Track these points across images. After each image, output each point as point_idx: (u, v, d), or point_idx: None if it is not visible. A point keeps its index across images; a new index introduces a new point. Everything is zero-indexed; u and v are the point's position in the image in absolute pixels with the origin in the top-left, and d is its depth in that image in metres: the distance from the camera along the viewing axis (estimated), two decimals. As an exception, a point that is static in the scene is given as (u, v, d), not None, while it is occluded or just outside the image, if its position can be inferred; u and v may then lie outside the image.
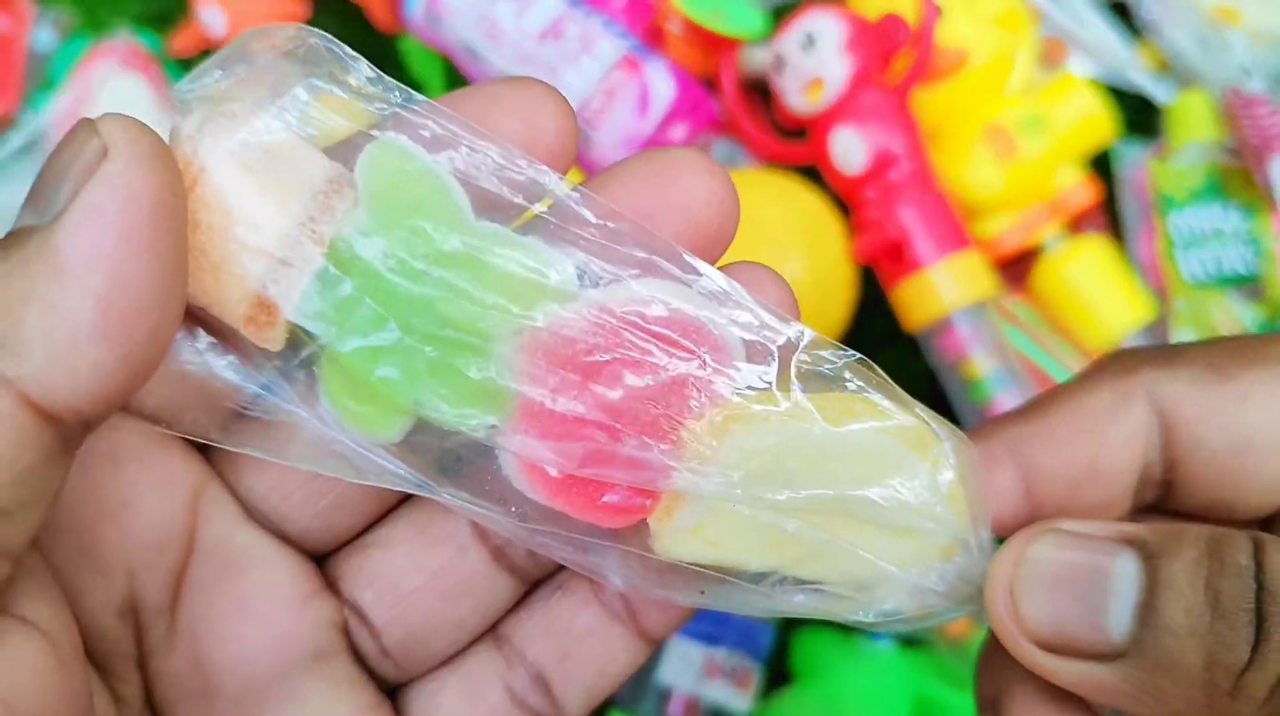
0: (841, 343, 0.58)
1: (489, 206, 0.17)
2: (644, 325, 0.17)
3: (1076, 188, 0.55)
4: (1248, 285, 0.55)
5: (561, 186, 0.18)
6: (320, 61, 0.19)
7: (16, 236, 0.14)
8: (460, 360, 0.17)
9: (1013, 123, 0.53)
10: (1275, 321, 0.53)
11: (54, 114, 0.58)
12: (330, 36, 0.19)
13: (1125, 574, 0.15)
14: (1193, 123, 0.57)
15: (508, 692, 0.19)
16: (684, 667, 0.46)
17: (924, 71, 0.50)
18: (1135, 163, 0.58)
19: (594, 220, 0.18)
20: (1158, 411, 0.17)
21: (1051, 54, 0.60)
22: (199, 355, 0.17)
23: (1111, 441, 0.17)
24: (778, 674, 0.51)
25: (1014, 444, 0.18)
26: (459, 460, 0.17)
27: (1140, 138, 0.60)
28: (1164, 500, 0.18)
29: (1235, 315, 0.54)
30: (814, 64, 0.50)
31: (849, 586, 0.16)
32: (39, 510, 0.14)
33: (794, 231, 0.50)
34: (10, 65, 0.61)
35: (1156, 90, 0.60)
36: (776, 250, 0.49)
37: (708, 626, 0.47)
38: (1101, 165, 0.59)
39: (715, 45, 0.55)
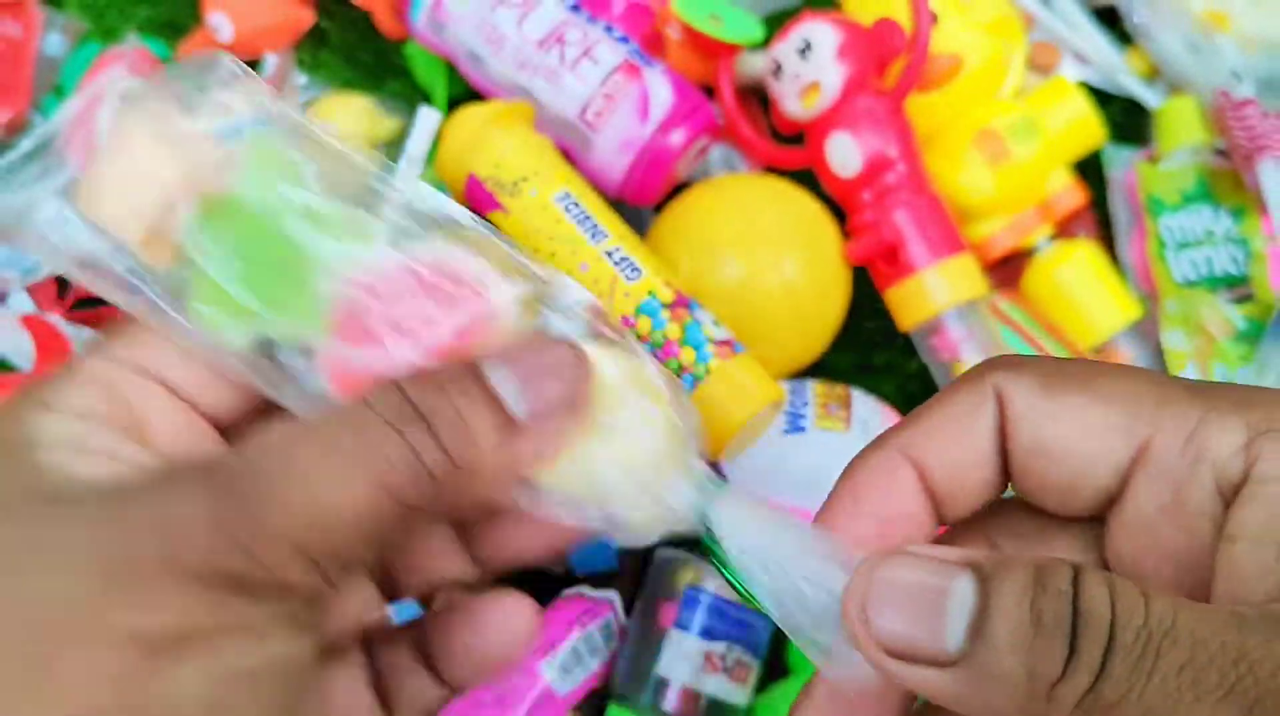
0: (837, 342, 0.59)
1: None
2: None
3: (1066, 191, 0.55)
4: (1237, 286, 0.55)
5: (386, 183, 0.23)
6: (231, 80, 0.25)
7: (507, 418, 0.21)
8: (293, 283, 0.22)
9: (1005, 127, 0.53)
10: (1264, 321, 0.54)
11: (64, 120, 0.59)
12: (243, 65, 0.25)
13: (962, 593, 0.17)
14: (1183, 126, 0.57)
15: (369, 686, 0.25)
16: (682, 661, 0.47)
17: (919, 77, 0.51)
18: (1126, 166, 0.59)
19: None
20: (999, 410, 0.21)
21: (1043, 59, 0.61)
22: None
23: (974, 435, 0.21)
24: (775, 668, 0.51)
25: (905, 446, 0.21)
26: (286, 377, 0.22)
27: (1131, 141, 0.61)
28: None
29: (1225, 315, 0.55)
30: (810, 70, 0.51)
31: (594, 498, 0.21)
32: None
33: (790, 234, 0.50)
34: (20, 70, 0.62)
35: (1147, 94, 0.61)
36: (772, 252, 0.50)
37: (706, 622, 0.48)
38: (1093, 169, 0.60)
39: (713, 51, 0.56)
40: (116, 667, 0.16)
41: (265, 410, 0.22)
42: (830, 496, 0.22)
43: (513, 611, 0.23)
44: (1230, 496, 0.18)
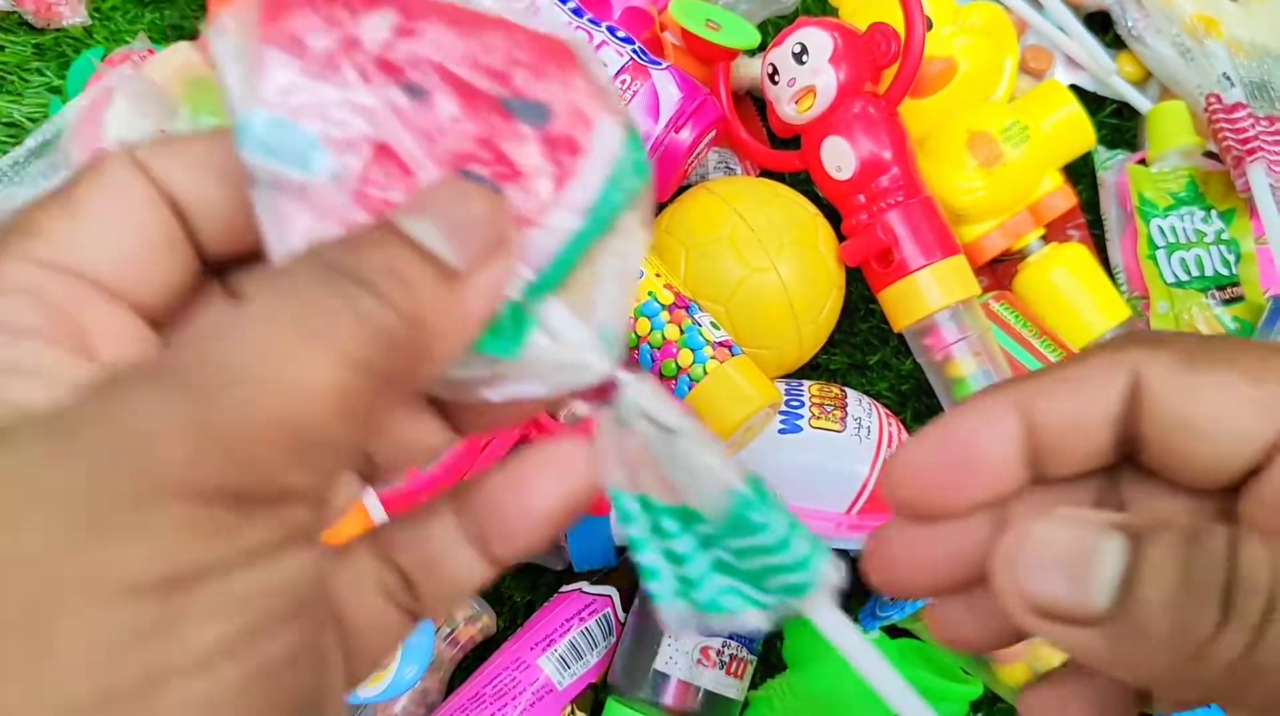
0: (831, 343, 0.59)
1: None
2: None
3: (1057, 193, 0.56)
4: (1227, 287, 0.56)
5: None
6: None
7: (446, 269, 0.18)
8: None
9: (998, 131, 0.54)
10: (1254, 322, 0.54)
11: (70, 119, 0.60)
12: None
13: (1112, 550, 0.17)
14: (1173, 129, 0.58)
15: (381, 587, 0.22)
16: (680, 656, 0.48)
17: (913, 82, 0.51)
18: (1117, 169, 0.59)
19: None
20: (1134, 384, 0.20)
21: (1036, 63, 0.61)
22: None
23: (1093, 400, 0.20)
24: (771, 662, 0.52)
25: (1019, 396, 0.21)
26: None
27: (1122, 145, 0.62)
28: (1138, 458, 0.21)
29: (1215, 316, 0.55)
30: (806, 74, 0.51)
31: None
32: None
33: (785, 236, 0.51)
34: None
35: (1138, 98, 0.61)
36: (768, 254, 0.50)
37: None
38: (1084, 171, 0.60)
39: (710, 56, 0.57)
40: (121, 629, 0.14)
41: (194, 298, 0.20)
42: (928, 429, 0.21)
43: (566, 455, 0.21)
44: None
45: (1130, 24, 0.61)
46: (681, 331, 0.46)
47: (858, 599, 0.53)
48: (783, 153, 0.56)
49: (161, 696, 0.14)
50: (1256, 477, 0.19)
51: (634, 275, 0.20)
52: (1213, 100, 0.56)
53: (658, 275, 0.48)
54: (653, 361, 0.47)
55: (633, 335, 0.47)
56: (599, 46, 0.53)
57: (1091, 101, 0.61)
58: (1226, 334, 0.22)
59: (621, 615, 0.52)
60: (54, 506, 0.14)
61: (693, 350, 0.46)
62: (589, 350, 0.20)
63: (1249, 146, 0.54)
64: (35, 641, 0.13)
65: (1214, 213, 0.57)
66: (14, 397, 0.16)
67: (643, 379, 0.20)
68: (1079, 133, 0.55)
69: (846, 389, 0.52)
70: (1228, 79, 0.58)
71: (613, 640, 0.51)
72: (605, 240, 0.20)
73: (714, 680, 0.48)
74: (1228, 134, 0.55)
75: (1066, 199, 0.56)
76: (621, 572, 0.53)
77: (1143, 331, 0.20)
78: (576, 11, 0.54)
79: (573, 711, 0.49)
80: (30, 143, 0.60)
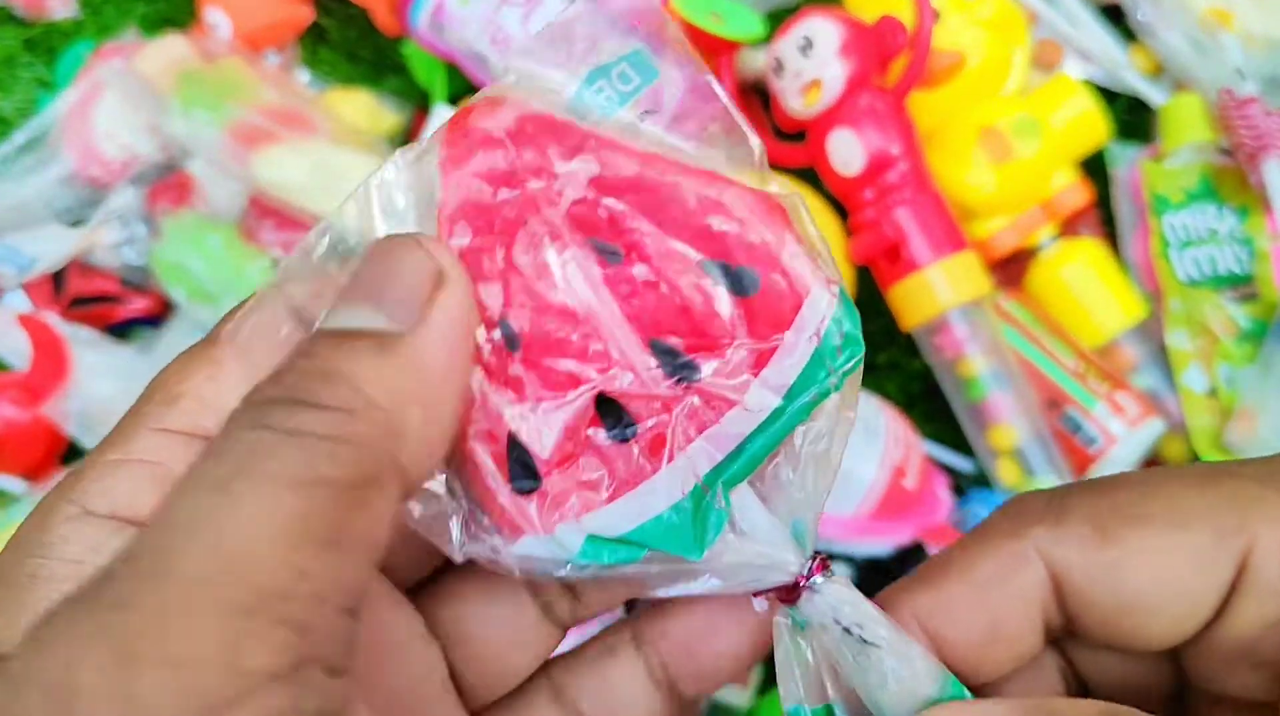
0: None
1: None
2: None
3: (1070, 189, 0.55)
4: (1241, 285, 0.55)
5: None
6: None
7: (384, 339, 0.16)
8: None
9: (1008, 125, 0.53)
10: (1269, 321, 0.54)
11: (59, 113, 0.59)
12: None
13: None
14: (1187, 124, 0.57)
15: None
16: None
17: (921, 74, 0.50)
18: (1130, 164, 0.59)
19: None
20: (1050, 573, 0.18)
21: (1046, 56, 0.60)
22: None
23: (1008, 606, 0.18)
24: (774, 671, 0.51)
25: (918, 615, 0.19)
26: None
27: (1135, 139, 0.61)
28: (1078, 633, 0.19)
29: (1229, 315, 0.54)
30: (812, 67, 0.50)
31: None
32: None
33: (792, 232, 0.50)
34: None
35: (1151, 92, 0.60)
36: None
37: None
38: (1097, 167, 0.59)
39: (714, 48, 0.56)
40: None
41: None
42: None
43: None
44: None
45: (1142, 16, 0.60)
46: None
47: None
48: (788, 147, 0.55)
49: None
50: (1211, 628, 0.18)
51: (834, 464, 0.18)
52: (1226, 95, 0.55)
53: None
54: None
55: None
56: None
57: (1103, 96, 0.61)
58: (1118, 474, 0.19)
59: (623, 620, 0.50)
60: None
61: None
62: (781, 547, 0.18)
63: (1263, 142, 0.53)
64: None
65: (1228, 209, 0.56)
66: None
67: (835, 579, 0.18)
68: (1092, 128, 0.54)
69: (854, 389, 0.51)
70: (1240, 73, 0.57)
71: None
72: (805, 423, 0.18)
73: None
74: (1241, 129, 0.54)
75: (1082, 195, 0.55)
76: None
77: (1028, 499, 0.19)
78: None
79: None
80: (19, 138, 0.59)
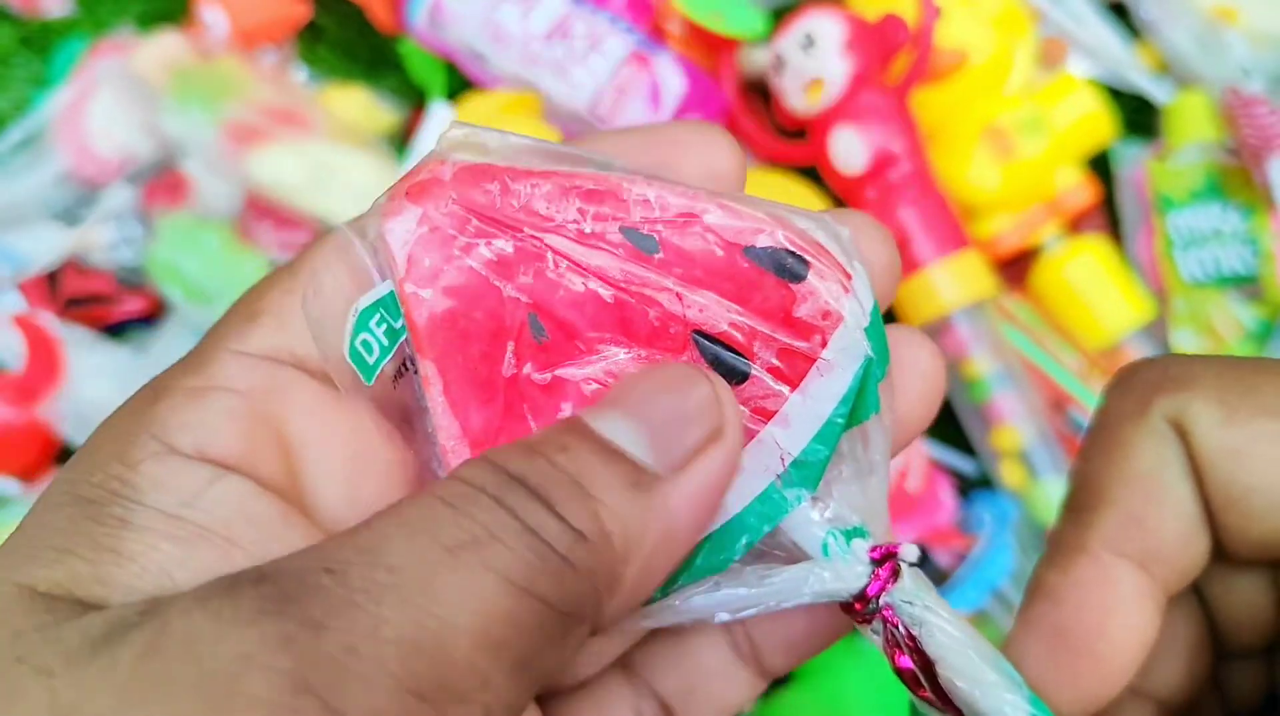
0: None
1: None
2: None
3: (1075, 188, 0.55)
4: (1246, 285, 0.55)
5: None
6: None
7: (641, 475, 0.15)
8: None
9: (1012, 123, 0.53)
10: (1274, 321, 0.53)
11: (55, 111, 0.58)
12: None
13: None
14: (1192, 123, 0.57)
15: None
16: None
17: (923, 72, 0.50)
18: (1134, 163, 0.58)
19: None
20: (1185, 447, 0.17)
21: (1051, 54, 0.60)
22: None
23: (1178, 492, 0.17)
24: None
25: (1114, 542, 0.17)
26: None
27: (1139, 138, 0.60)
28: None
29: (1234, 315, 0.54)
30: (814, 64, 0.50)
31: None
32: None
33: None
34: None
35: (1155, 90, 0.60)
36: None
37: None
38: (1101, 165, 0.59)
39: (715, 46, 0.55)
40: None
41: None
42: (1025, 631, 0.17)
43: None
44: None
45: (1147, 14, 0.60)
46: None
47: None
48: (790, 145, 0.55)
49: None
50: None
51: (882, 477, 0.17)
52: (1231, 93, 0.55)
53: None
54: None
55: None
56: (599, 37, 0.52)
57: (1108, 93, 0.60)
58: (1254, 357, 0.16)
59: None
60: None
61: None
62: (855, 562, 0.17)
63: (1269, 141, 0.53)
64: None
65: (1233, 208, 0.56)
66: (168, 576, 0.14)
67: (906, 591, 0.17)
68: (1096, 126, 0.54)
69: (856, 390, 0.51)
70: (1246, 71, 0.57)
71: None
72: (849, 435, 0.17)
73: (719, 692, 0.47)
74: (1247, 128, 0.54)
75: (1088, 193, 0.55)
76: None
77: (1147, 367, 0.17)
78: (578, 1, 0.53)
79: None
80: (13, 135, 0.59)
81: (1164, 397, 0.16)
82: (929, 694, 0.17)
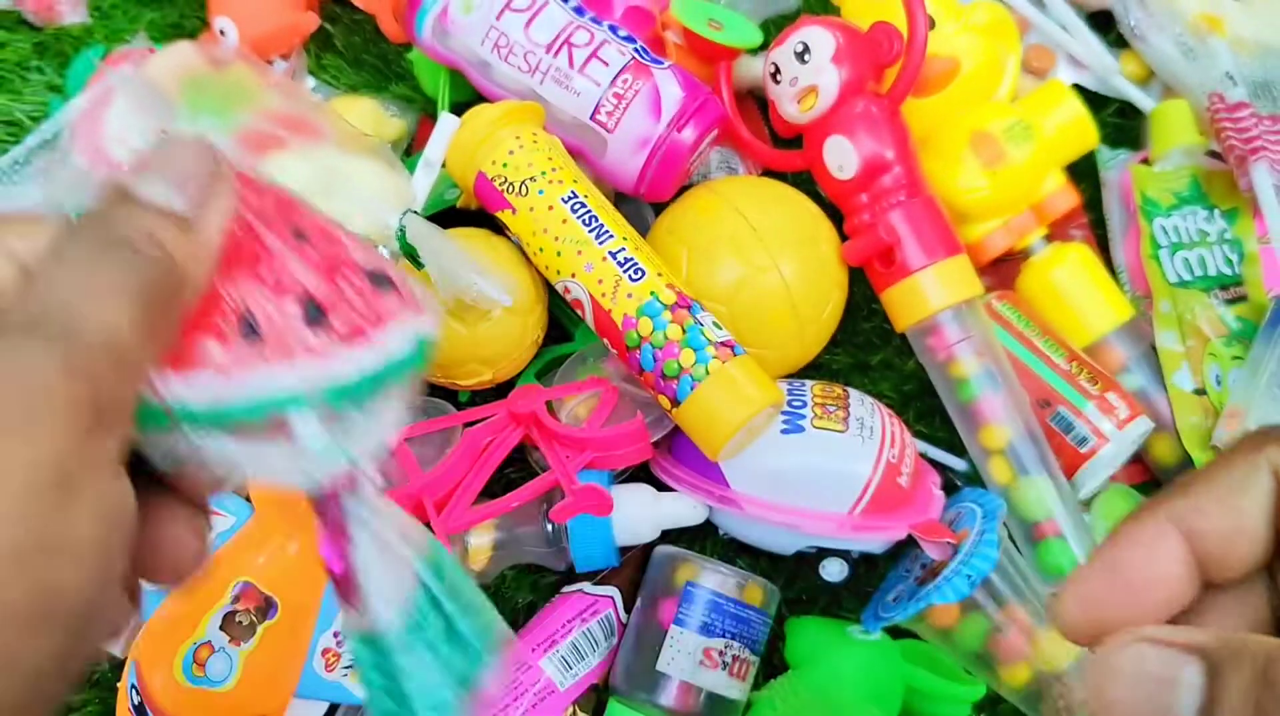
0: (834, 342, 0.59)
1: None
2: None
3: (1059, 193, 0.56)
4: (1231, 287, 0.56)
5: None
6: None
7: (180, 219, 0.22)
8: None
9: (1001, 130, 0.54)
10: (1257, 322, 0.54)
11: (70, 117, 0.60)
12: None
13: (1189, 684, 0.18)
14: (1177, 128, 0.58)
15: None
16: (682, 657, 0.48)
17: (915, 81, 0.51)
18: (1120, 168, 0.59)
19: None
20: (1276, 482, 0.21)
21: (1038, 62, 0.61)
22: None
23: (1247, 506, 0.21)
24: (773, 663, 0.52)
25: (1173, 514, 0.22)
26: None
27: (1125, 144, 0.61)
28: None
29: (1218, 316, 0.55)
30: (808, 73, 0.51)
31: None
32: None
33: (788, 236, 0.51)
34: None
35: (1141, 97, 0.61)
36: (770, 254, 0.50)
37: (705, 618, 0.48)
38: (1087, 170, 0.60)
39: (712, 55, 0.56)
40: (25, 506, 0.18)
41: None
42: (1091, 560, 0.22)
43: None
44: None
45: (1133, 23, 0.61)
46: (684, 331, 0.46)
47: (860, 599, 0.53)
48: (785, 152, 0.56)
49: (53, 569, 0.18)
50: None
51: (382, 442, 0.24)
52: (1216, 99, 0.56)
53: (660, 274, 0.48)
54: (655, 361, 0.47)
55: (634, 334, 0.47)
56: (600, 46, 0.53)
57: (1094, 101, 0.61)
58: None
59: (623, 616, 0.51)
60: None
61: (695, 350, 0.46)
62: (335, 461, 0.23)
63: (1252, 146, 0.54)
64: None
65: (1217, 212, 0.57)
66: None
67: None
68: (1082, 132, 0.55)
69: (849, 389, 0.52)
70: (1231, 78, 0.58)
71: (614, 641, 0.51)
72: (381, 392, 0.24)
73: (716, 681, 0.48)
74: (1231, 133, 0.55)
75: (1070, 198, 0.56)
76: (623, 573, 0.53)
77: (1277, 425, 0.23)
78: (578, 10, 0.54)
79: (575, 712, 0.49)
80: (30, 141, 0.60)
81: (1272, 446, 0.21)
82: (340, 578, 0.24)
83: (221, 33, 0.61)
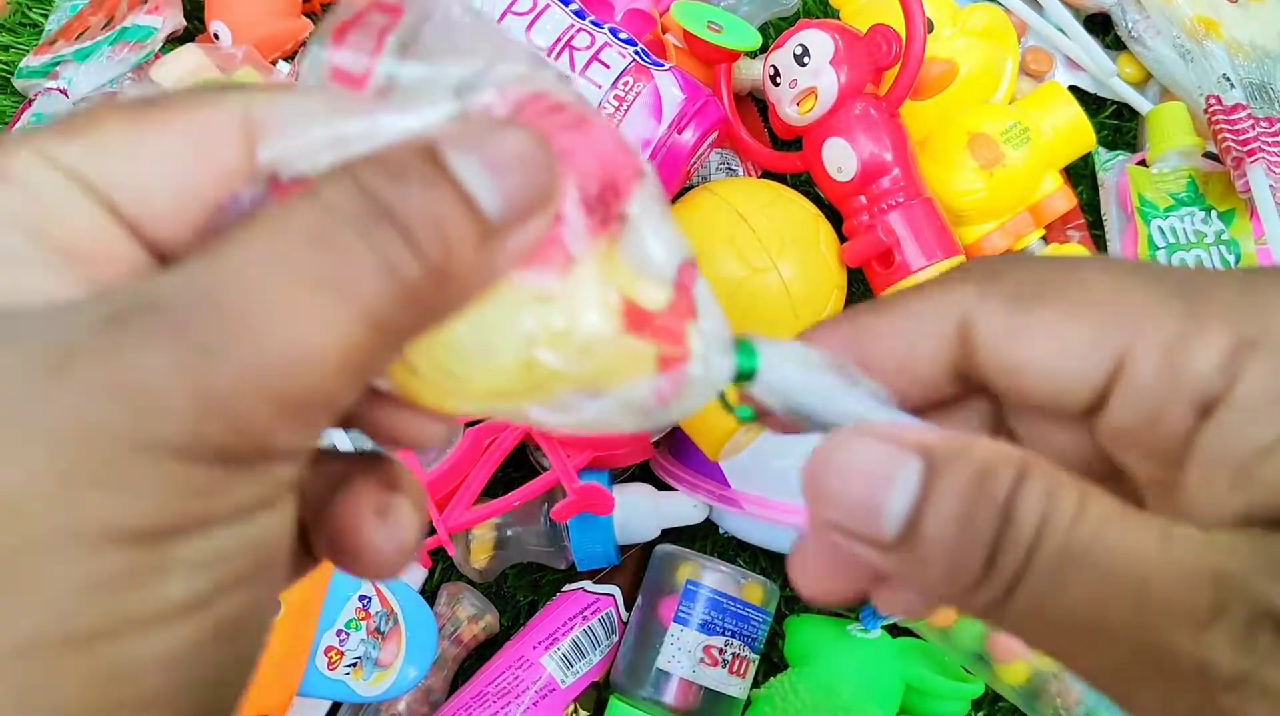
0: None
1: None
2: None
3: (1056, 194, 0.56)
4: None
5: None
6: None
7: (487, 224, 0.17)
8: None
9: (998, 132, 0.54)
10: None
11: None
12: None
13: (905, 482, 0.17)
14: (1173, 130, 0.58)
15: None
16: (682, 655, 0.48)
17: (914, 84, 0.52)
18: (1117, 170, 0.59)
19: None
20: (962, 325, 0.20)
21: (1036, 65, 0.62)
22: None
23: (920, 343, 0.20)
24: (773, 661, 0.52)
25: (851, 335, 0.21)
26: None
27: (1122, 146, 0.62)
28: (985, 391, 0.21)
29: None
30: (807, 76, 0.51)
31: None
32: None
33: (787, 237, 0.51)
34: None
35: (1138, 99, 0.61)
36: (770, 255, 0.51)
37: (706, 616, 0.49)
38: (1085, 172, 0.60)
39: (712, 58, 0.57)
40: (94, 576, 0.14)
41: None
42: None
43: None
44: (1204, 415, 0.17)
45: (1130, 25, 0.61)
46: (684, 332, 0.47)
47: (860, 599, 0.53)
48: (784, 154, 0.56)
49: (122, 645, 0.14)
50: (1098, 416, 0.19)
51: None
52: (1212, 101, 0.56)
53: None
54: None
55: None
56: (601, 48, 0.53)
57: (1091, 103, 0.62)
58: (1068, 255, 0.21)
59: (624, 614, 0.52)
60: (42, 444, 0.13)
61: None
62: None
63: (1249, 148, 0.54)
64: (3, 579, 0.13)
65: (1214, 213, 0.57)
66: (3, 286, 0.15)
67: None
68: (1079, 134, 0.55)
69: (848, 389, 0.52)
70: (1227, 80, 0.58)
71: (615, 639, 0.51)
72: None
73: (716, 678, 0.48)
74: (1227, 135, 0.55)
75: (1067, 200, 0.56)
76: (624, 572, 0.53)
77: (982, 262, 0.21)
78: (579, 14, 0.55)
79: (575, 710, 0.49)
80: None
81: (965, 287, 0.20)
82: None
83: (216, 36, 0.61)
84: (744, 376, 0.21)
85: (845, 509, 0.18)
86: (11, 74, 0.64)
